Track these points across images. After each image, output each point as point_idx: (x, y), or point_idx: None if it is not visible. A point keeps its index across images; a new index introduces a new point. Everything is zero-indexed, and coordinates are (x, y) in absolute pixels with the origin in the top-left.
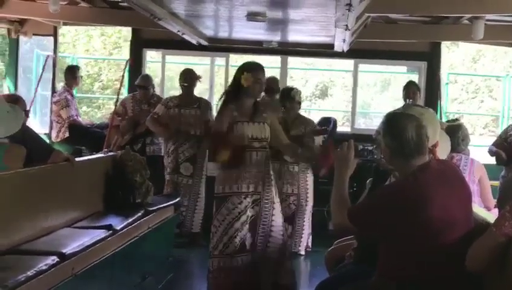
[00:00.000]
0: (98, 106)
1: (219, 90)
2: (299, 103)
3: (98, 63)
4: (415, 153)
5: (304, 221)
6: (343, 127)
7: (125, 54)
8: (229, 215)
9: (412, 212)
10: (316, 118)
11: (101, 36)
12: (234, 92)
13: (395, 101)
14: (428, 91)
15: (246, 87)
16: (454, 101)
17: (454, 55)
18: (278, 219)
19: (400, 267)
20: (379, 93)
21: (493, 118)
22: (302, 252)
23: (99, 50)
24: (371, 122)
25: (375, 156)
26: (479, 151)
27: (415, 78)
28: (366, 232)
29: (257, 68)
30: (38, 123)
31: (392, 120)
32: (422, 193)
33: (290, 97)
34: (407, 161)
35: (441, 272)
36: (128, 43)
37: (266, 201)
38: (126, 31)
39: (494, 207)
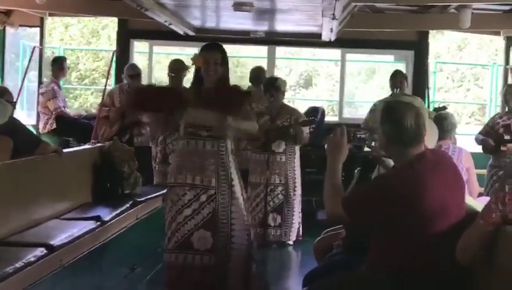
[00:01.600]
0: (75, 96)
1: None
2: (283, 93)
3: (75, 52)
4: (414, 142)
5: (294, 211)
6: (329, 117)
7: (104, 42)
8: (173, 208)
9: (408, 202)
10: (300, 107)
11: (78, 24)
12: (195, 77)
13: (380, 90)
14: (416, 80)
15: (200, 70)
16: (440, 90)
17: (440, 43)
18: (240, 218)
19: (391, 257)
20: (364, 83)
21: (479, 107)
22: (291, 242)
23: (76, 39)
24: (356, 111)
25: (367, 142)
26: (465, 140)
27: (401, 67)
28: (360, 221)
29: (208, 47)
30: (26, 115)
31: (392, 107)
32: (418, 183)
33: (275, 87)
34: (404, 149)
35: (432, 262)
36: (107, 31)
37: (222, 197)
38: (106, 19)
39: (478, 196)
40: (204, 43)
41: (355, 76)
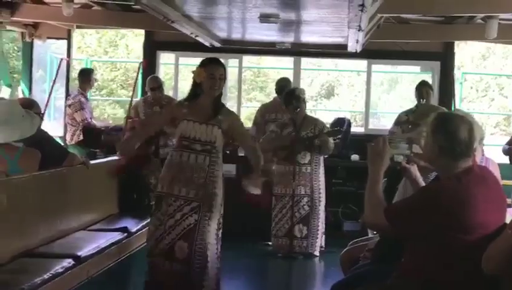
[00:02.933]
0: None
1: (232, 92)
2: (305, 101)
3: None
4: (465, 155)
5: (319, 221)
6: (352, 127)
7: (121, 52)
8: (156, 215)
9: (453, 215)
10: (322, 118)
11: (95, 34)
12: (193, 90)
13: (403, 101)
14: (442, 91)
15: (200, 84)
16: (464, 100)
17: (464, 53)
18: (212, 230)
19: (427, 269)
20: (386, 93)
21: (504, 117)
22: (317, 253)
23: (93, 48)
24: (378, 122)
25: (407, 152)
26: (491, 150)
27: (427, 77)
28: (403, 231)
29: (211, 63)
30: (53, 126)
31: (447, 118)
32: (466, 197)
33: (296, 96)
34: (454, 161)
35: (468, 276)
36: (125, 40)
37: (206, 209)
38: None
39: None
40: (229, 54)
41: (378, 86)
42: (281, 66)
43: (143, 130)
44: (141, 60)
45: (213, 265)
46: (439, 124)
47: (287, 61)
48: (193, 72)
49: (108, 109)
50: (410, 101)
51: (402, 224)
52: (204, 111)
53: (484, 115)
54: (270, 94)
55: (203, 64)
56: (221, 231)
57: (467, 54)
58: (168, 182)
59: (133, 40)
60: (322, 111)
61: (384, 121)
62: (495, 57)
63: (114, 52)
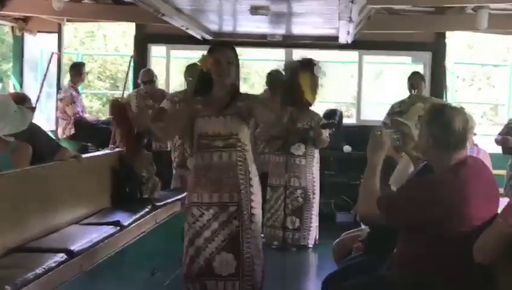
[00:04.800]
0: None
1: None
2: None
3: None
4: (459, 147)
5: (312, 214)
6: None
7: (100, 43)
8: (190, 231)
9: (450, 208)
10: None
11: (71, 24)
12: (203, 83)
13: (387, 91)
14: (434, 81)
15: (208, 72)
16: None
17: (450, 42)
18: (257, 235)
19: (419, 260)
20: (372, 84)
21: (491, 107)
22: (311, 245)
23: (68, 40)
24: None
25: (398, 143)
26: (478, 140)
27: (419, 68)
28: (396, 222)
29: (217, 47)
30: (44, 120)
31: (441, 110)
32: (461, 189)
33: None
34: (448, 153)
35: (460, 267)
36: (103, 30)
37: (244, 213)
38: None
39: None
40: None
41: (366, 77)
42: (271, 58)
43: (172, 126)
44: (132, 52)
45: (258, 269)
46: (434, 115)
47: (273, 53)
48: (199, 60)
49: (85, 102)
50: (395, 93)
51: (395, 215)
52: (219, 103)
53: (471, 105)
54: (253, 85)
55: (209, 50)
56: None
57: (453, 43)
58: (192, 190)
59: (111, 30)
60: None
61: (370, 112)
62: (481, 46)
63: (91, 43)
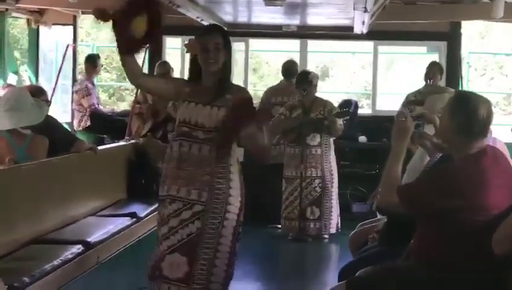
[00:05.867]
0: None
1: (240, 74)
2: (316, 87)
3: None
4: (481, 135)
5: (332, 203)
6: (364, 109)
7: (106, 34)
8: (163, 229)
9: (469, 196)
10: None
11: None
12: (193, 68)
13: (399, 81)
14: (449, 71)
15: (195, 58)
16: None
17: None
18: (226, 242)
19: (437, 249)
20: (383, 74)
21: (504, 96)
22: (327, 235)
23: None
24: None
25: (419, 129)
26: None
27: (434, 58)
28: (414, 211)
29: (205, 31)
30: (60, 112)
31: (466, 97)
32: (481, 178)
33: (308, 81)
34: (470, 140)
35: (477, 256)
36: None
37: (213, 216)
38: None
39: None
40: (236, 37)
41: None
42: (288, 49)
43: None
44: None
45: (217, 280)
46: (459, 102)
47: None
48: (185, 45)
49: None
50: (409, 83)
51: (415, 204)
52: (208, 91)
53: (484, 95)
54: (262, 76)
55: (197, 35)
56: (238, 244)
57: (466, 33)
58: (163, 181)
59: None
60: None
61: (381, 103)
62: (493, 36)
63: (98, 33)
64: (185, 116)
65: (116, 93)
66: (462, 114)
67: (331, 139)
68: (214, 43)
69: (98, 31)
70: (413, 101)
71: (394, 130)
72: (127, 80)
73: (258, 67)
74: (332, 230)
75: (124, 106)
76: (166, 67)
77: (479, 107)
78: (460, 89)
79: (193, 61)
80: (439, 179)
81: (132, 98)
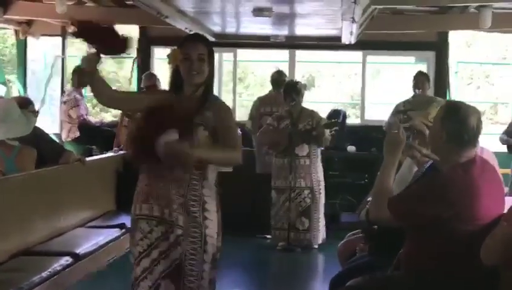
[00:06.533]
0: None
1: (227, 85)
2: (303, 96)
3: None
4: (472, 144)
5: (320, 214)
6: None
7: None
8: (136, 248)
9: (459, 206)
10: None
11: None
12: (173, 79)
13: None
14: (437, 81)
15: (177, 69)
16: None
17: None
18: (207, 269)
19: (426, 259)
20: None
21: (491, 105)
22: (316, 246)
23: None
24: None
25: (409, 140)
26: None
27: (422, 68)
28: (405, 222)
29: (188, 41)
30: (48, 123)
31: (457, 106)
32: (470, 187)
33: (296, 90)
34: (460, 149)
35: (465, 265)
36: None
37: (193, 240)
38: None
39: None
40: (224, 48)
41: (359, 77)
42: (266, 59)
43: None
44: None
45: None
46: (450, 111)
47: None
48: (168, 55)
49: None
50: (396, 93)
51: (405, 214)
52: (192, 106)
53: (471, 104)
54: (248, 86)
55: (179, 44)
56: (216, 270)
57: (452, 42)
58: (144, 199)
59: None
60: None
61: (370, 113)
62: (480, 45)
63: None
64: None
65: (99, 104)
66: (453, 122)
67: (319, 150)
68: (197, 53)
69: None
70: (402, 111)
71: (386, 142)
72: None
73: (243, 77)
74: (319, 241)
75: (108, 116)
76: (153, 79)
77: (469, 116)
78: (448, 98)
79: (174, 72)
80: (428, 188)
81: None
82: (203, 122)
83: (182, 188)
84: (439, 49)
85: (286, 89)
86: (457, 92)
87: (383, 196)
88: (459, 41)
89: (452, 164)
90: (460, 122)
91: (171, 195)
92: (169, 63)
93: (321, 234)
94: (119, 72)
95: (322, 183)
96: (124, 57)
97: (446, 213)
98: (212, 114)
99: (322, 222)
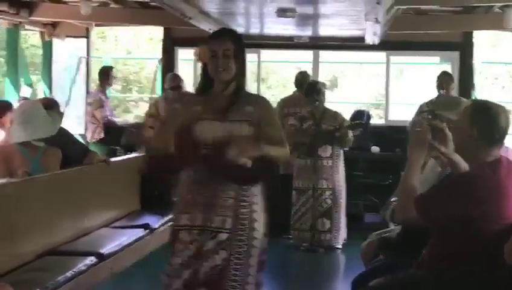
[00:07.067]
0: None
1: (251, 84)
2: (324, 95)
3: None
4: (500, 142)
5: (341, 214)
6: (374, 120)
7: (110, 44)
8: (176, 260)
9: (487, 205)
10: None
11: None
12: (203, 78)
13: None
14: (462, 81)
15: (206, 67)
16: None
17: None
18: (253, 273)
19: (451, 258)
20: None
21: None
22: (340, 246)
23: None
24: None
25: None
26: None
27: (446, 68)
28: (432, 221)
29: (214, 36)
30: (74, 124)
31: (487, 105)
32: (498, 187)
33: (317, 91)
34: (489, 148)
35: (490, 264)
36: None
37: (239, 244)
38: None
39: None
40: (248, 48)
41: (382, 77)
42: (297, 60)
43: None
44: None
45: None
46: (480, 109)
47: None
48: (194, 53)
49: None
50: (420, 93)
51: (432, 213)
52: (223, 104)
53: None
54: (270, 87)
55: (207, 41)
56: (261, 273)
57: (477, 42)
58: (184, 209)
59: (122, 31)
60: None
61: (394, 113)
62: (504, 45)
63: (102, 44)
64: (201, 138)
65: (121, 105)
66: (484, 120)
67: (341, 151)
68: (222, 49)
69: (102, 42)
70: (425, 111)
71: (410, 141)
72: (131, 90)
73: (266, 78)
74: (341, 241)
75: (130, 117)
76: (177, 80)
77: (499, 114)
78: (473, 98)
79: (204, 71)
80: (456, 186)
81: (137, 110)
82: (246, 118)
83: (231, 190)
84: (464, 49)
85: (307, 90)
86: (482, 92)
87: (409, 195)
88: (483, 41)
89: (479, 162)
90: (491, 120)
91: (218, 199)
92: (197, 61)
93: (342, 235)
94: (141, 72)
95: (344, 184)
96: (149, 58)
97: (474, 211)
98: (253, 108)
99: (343, 223)
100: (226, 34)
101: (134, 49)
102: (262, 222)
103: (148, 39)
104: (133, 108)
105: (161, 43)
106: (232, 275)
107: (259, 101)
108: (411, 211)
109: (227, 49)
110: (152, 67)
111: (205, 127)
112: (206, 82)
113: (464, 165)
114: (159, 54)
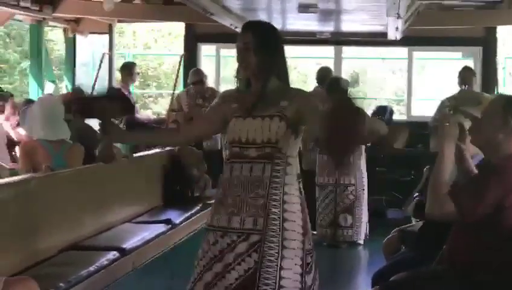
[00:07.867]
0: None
1: None
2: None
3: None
4: None
5: (362, 210)
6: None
7: (128, 39)
8: (201, 261)
9: None
10: None
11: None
12: (242, 77)
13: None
14: (485, 77)
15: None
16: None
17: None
18: (289, 275)
19: (473, 253)
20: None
21: None
22: (361, 241)
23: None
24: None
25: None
26: None
27: (469, 63)
28: (469, 213)
29: (241, 31)
30: (96, 121)
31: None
32: None
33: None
34: None
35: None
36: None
37: (270, 246)
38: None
39: None
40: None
41: (404, 72)
42: (318, 55)
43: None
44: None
45: None
46: (509, 102)
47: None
48: None
49: None
50: (441, 89)
51: (469, 204)
52: (247, 100)
53: None
54: (291, 82)
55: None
56: (311, 275)
57: (500, 37)
58: (215, 210)
59: (140, 26)
60: None
61: (415, 108)
62: None
63: (120, 39)
64: (234, 135)
65: (139, 100)
66: None
67: (363, 147)
68: (242, 42)
69: (120, 37)
70: (447, 106)
71: (439, 137)
72: (150, 86)
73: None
74: (363, 237)
75: (148, 113)
76: (200, 75)
77: None
78: (496, 93)
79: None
80: (488, 176)
81: (156, 106)
82: (278, 113)
83: (261, 188)
84: (487, 44)
85: (329, 85)
86: (505, 87)
87: (440, 191)
88: (506, 36)
89: (505, 154)
90: None
91: (248, 199)
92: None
93: (363, 230)
94: (159, 68)
95: (365, 180)
96: (171, 55)
97: (508, 201)
98: (287, 103)
99: (364, 219)
100: (248, 26)
101: (152, 44)
102: (298, 223)
103: (167, 33)
104: (151, 104)
105: (180, 38)
106: (264, 279)
107: (295, 93)
108: (449, 206)
109: (246, 42)
110: (171, 62)
111: (237, 125)
112: (243, 79)
113: (470, 163)
114: (177, 49)
